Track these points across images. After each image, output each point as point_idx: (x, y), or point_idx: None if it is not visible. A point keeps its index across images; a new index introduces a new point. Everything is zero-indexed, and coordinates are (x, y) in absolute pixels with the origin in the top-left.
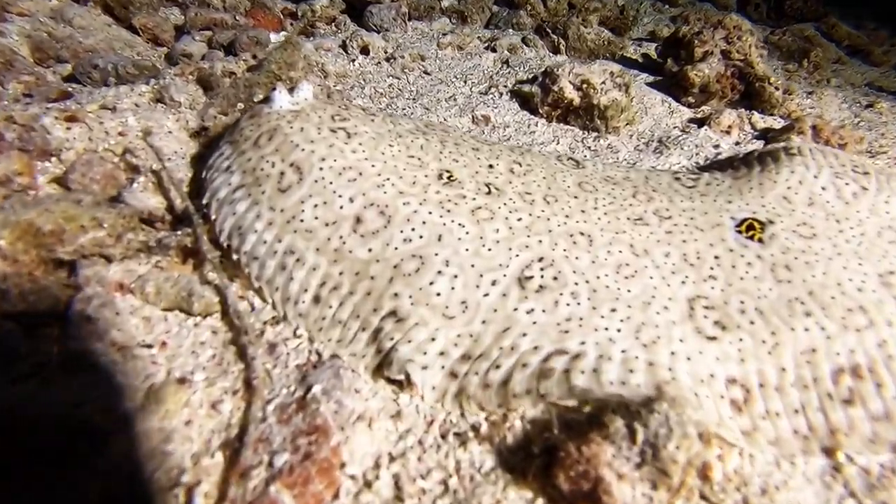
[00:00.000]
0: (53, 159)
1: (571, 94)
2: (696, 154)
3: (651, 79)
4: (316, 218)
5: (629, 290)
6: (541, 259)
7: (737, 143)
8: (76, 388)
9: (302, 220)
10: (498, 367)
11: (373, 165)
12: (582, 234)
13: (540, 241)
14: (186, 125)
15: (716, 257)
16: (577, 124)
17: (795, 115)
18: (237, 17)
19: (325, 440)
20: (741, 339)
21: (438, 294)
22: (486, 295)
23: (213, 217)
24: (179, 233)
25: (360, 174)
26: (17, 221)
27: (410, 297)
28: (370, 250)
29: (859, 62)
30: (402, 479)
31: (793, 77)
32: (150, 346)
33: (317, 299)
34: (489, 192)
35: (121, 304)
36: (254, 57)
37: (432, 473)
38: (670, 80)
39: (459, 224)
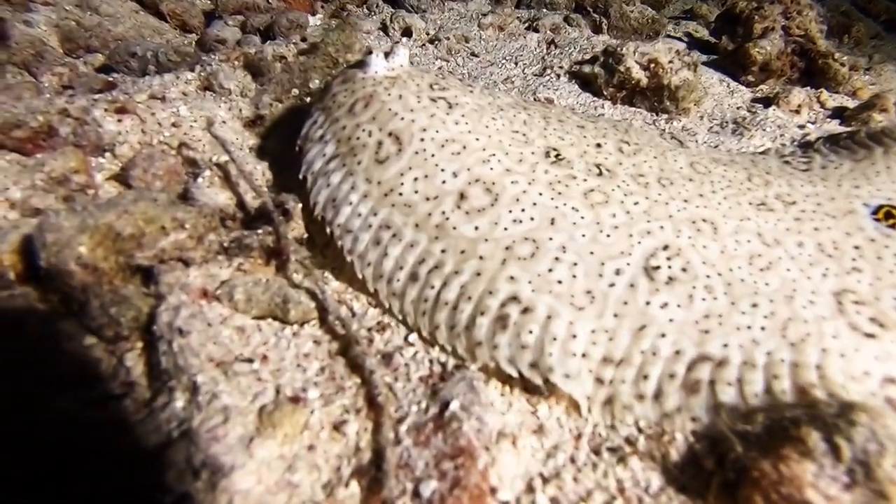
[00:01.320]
0: (108, 154)
1: (639, 75)
2: (780, 136)
3: (704, 58)
4: (416, 192)
5: (767, 284)
6: (666, 247)
7: (812, 123)
8: (173, 413)
9: (401, 194)
10: (646, 377)
11: (477, 139)
12: (705, 220)
13: (662, 228)
14: (240, 114)
15: (856, 247)
16: (645, 106)
17: (863, 92)
18: (269, 1)
19: (472, 464)
20: None
21: (560, 282)
22: (612, 285)
23: (308, 189)
24: (261, 231)
25: (464, 148)
26: (96, 226)
27: (530, 282)
28: (477, 228)
29: None
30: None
31: None
32: (250, 361)
33: (414, 277)
34: (600, 174)
35: (209, 314)
36: (302, 40)
37: (594, 496)
38: (727, 58)
39: (573, 208)
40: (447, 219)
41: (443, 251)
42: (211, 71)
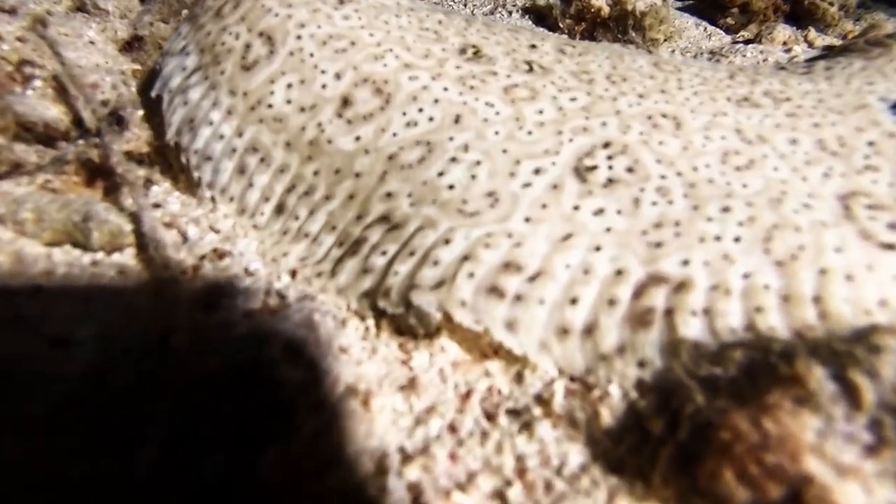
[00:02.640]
0: None
1: (599, 2)
2: (764, 61)
3: (679, 3)
4: (289, 102)
5: (745, 185)
6: (607, 144)
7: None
8: None
9: (270, 106)
10: (574, 301)
11: (371, 35)
12: (665, 116)
13: (604, 124)
14: (115, 36)
15: (870, 143)
16: (608, 39)
17: (854, 34)
18: None
19: (295, 431)
20: None
21: (451, 187)
22: (526, 185)
23: (162, 111)
24: (81, 143)
25: (353, 44)
26: None
27: (410, 195)
28: (357, 139)
29: None
30: (425, 494)
31: None
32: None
33: (280, 209)
34: (530, 70)
35: None
36: None
37: (477, 481)
38: (703, 0)
39: (487, 103)
40: (323, 131)
41: (315, 173)
42: None
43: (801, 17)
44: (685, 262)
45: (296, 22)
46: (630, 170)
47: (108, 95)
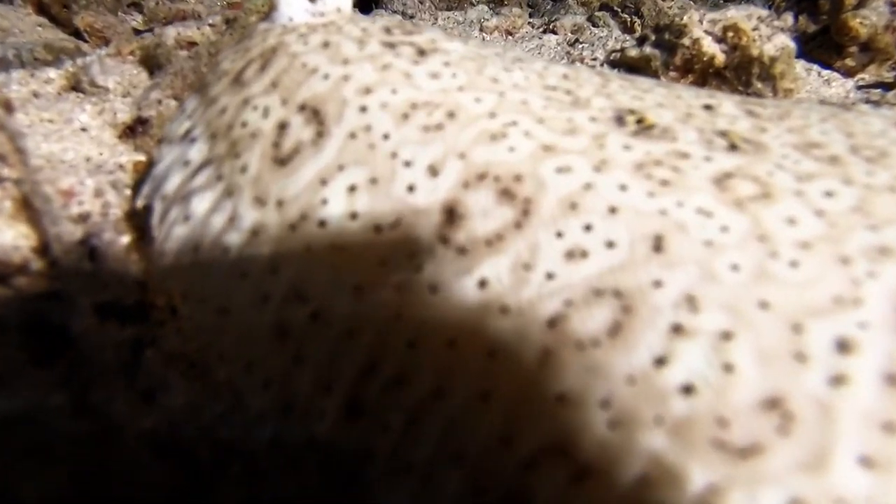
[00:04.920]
0: None
1: (712, 49)
2: None
3: None
4: (353, 217)
5: None
6: None
7: None
8: None
9: (323, 224)
10: None
11: (477, 100)
12: None
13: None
14: (114, 118)
15: None
16: (725, 91)
17: None
18: (216, 6)
19: None
20: None
21: (688, 390)
22: (837, 382)
23: (152, 229)
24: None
25: (451, 115)
26: None
27: (605, 404)
28: (483, 285)
29: None
30: None
31: None
32: None
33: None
34: (733, 147)
35: None
36: (225, 21)
37: None
38: (810, 41)
39: (700, 210)
40: (420, 273)
41: (421, 366)
42: (83, 64)
43: None
44: None
45: (358, 86)
46: None
47: (87, 206)
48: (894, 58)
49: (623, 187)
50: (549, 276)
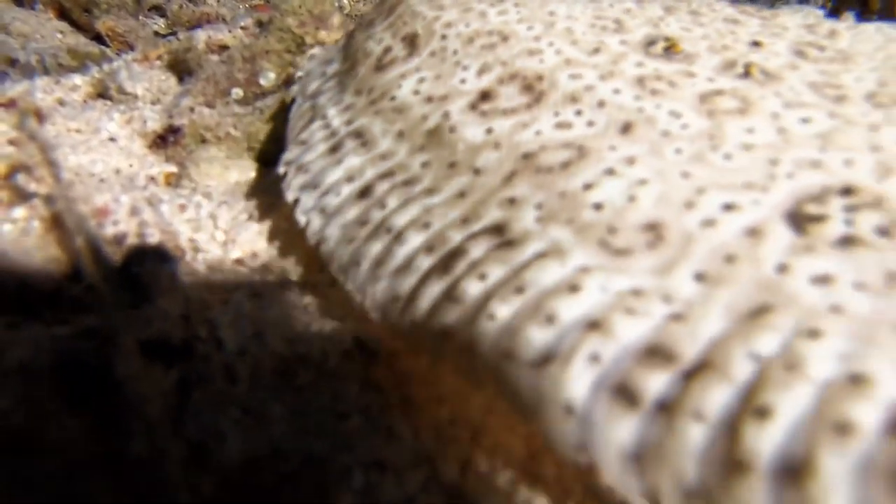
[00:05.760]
0: None
1: None
2: None
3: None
4: (416, 93)
5: None
6: (848, 191)
7: None
8: None
9: (393, 98)
10: (765, 414)
11: (529, 28)
12: None
13: (848, 162)
14: (143, 127)
15: None
16: None
17: None
18: (239, 9)
19: None
20: None
21: (599, 206)
22: (708, 224)
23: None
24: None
25: (505, 39)
26: None
27: (539, 206)
28: (489, 131)
29: None
30: None
31: None
32: None
33: (364, 193)
34: (747, 74)
35: None
36: (258, 24)
37: None
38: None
39: (672, 112)
40: (448, 119)
41: (424, 164)
42: (110, 70)
43: None
44: None
45: (444, 22)
46: (883, 232)
47: (123, 227)
48: None
49: (616, 91)
50: (537, 133)
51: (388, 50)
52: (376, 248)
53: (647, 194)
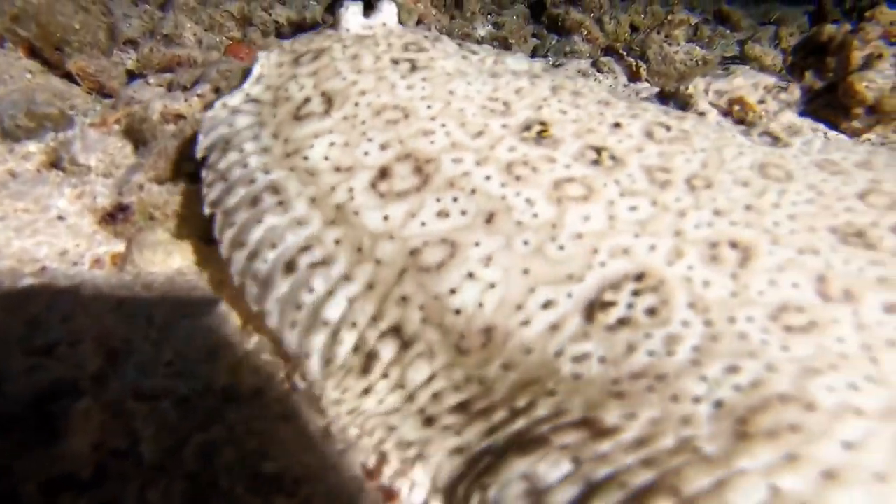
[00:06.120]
0: None
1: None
2: None
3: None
4: (326, 158)
5: (785, 348)
6: (640, 277)
7: None
8: None
9: (306, 158)
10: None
11: (428, 106)
12: (735, 245)
13: (652, 248)
14: (93, 203)
15: None
16: None
17: None
18: (212, 55)
19: None
20: None
21: (458, 312)
22: (524, 324)
23: (203, 128)
24: None
25: (406, 116)
26: None
27: (422, 307)
28: (385, 219)
29: None
30: None
31: None
32: None
33: (289, 267)
34: (598, 161)
35: None
36: (215, 91)
37: None
38: (815, 100)
39: (528, 200)
40: (352, 199)
41: (336, 242)
42: (64, 139)
43: None
44: (630, 416)
45: (358, 90)
46: (651, 312)
47: (55, 335)
48: None
49: (487, 177)
50: (423, 223)
51: (307, 100)
52: (319, 341)
53: (492, 300)
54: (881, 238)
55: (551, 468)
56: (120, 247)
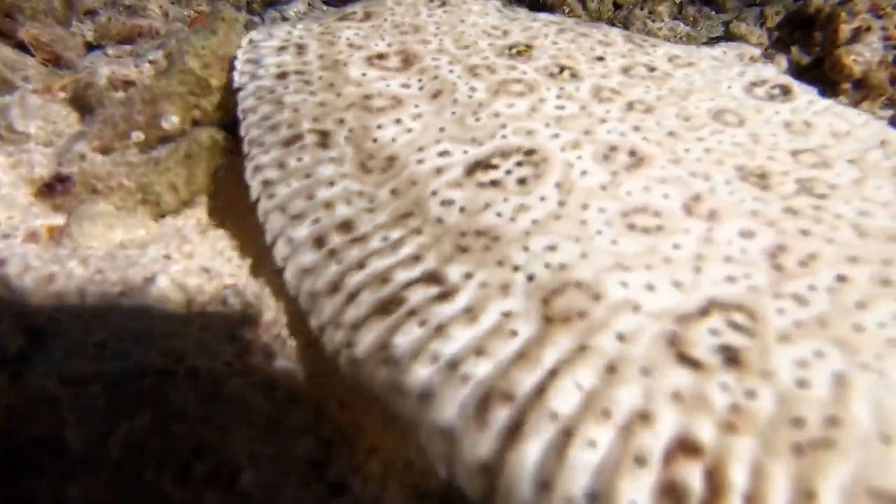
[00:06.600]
0: None
1: None
2: None
3: None
4: (350, 44)
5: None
6: (531, 152)
7: None
8: None
9: (338, 38)
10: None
11: (436, 26)
12: (633, 153)
13: (555, 136)
14: (30, 173)
15: None
16: None
17: None
18: (175, 26)
19: None
20: None
21: (375, 140)
22: (420, 161)
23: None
24: None
25: (416, 30)
26: None
27: (351, 130)
28: (363, 74)
29: None
30: None
31: None
32: None
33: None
34: (559, 72)
35: None
36: (167, 57)
37: None
38: (803, 74)
39: (472, 87)
40: (348, 61)
41: (319, 78)
42: (2, 104)
43: None
44: (468, 276)
45: (392, 10)
46: (522, 181)
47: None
48: (888, 94)
49: (451, 71)
50: (387, 85)
51: (353, 13)
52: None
53: (404, 139)
54: (780, 184)
55: (403, 336)
56: (59, 220)
